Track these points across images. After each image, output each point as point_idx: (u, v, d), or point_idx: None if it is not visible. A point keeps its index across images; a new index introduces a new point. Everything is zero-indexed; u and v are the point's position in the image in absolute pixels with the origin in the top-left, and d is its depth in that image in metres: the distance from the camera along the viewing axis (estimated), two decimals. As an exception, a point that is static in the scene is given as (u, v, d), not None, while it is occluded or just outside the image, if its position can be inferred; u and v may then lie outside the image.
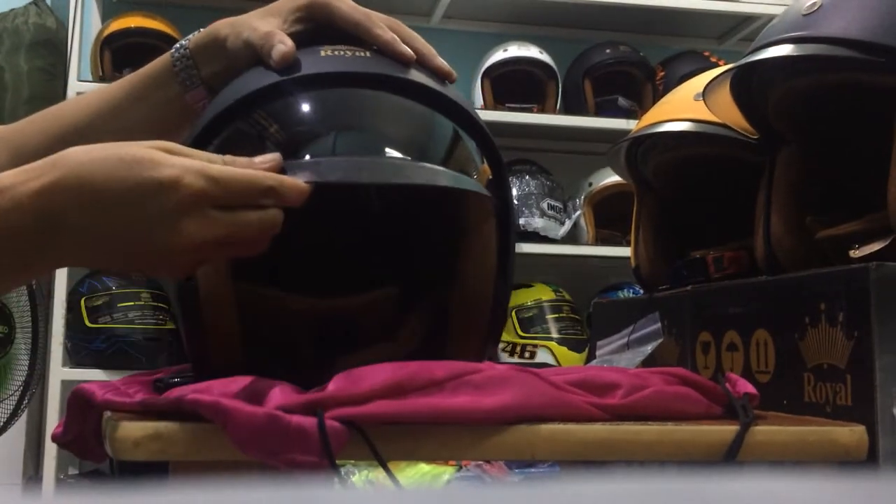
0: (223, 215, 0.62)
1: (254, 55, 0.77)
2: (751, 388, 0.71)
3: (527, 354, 2.68)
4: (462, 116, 0.74)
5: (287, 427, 0.57)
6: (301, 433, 0.57)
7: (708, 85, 0.94)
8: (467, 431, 0.63)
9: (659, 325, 1.03)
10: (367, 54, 0.74)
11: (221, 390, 0.61)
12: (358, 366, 0.64)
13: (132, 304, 2.39)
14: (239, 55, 0.78)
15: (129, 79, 0.88)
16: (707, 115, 1.01)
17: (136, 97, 0.86)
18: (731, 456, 0.64)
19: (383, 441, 0.61)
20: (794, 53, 0.84)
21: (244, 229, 0.63)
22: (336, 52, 0.74)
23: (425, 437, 0.63)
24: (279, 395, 0.60)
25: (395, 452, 0.63)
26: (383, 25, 0.77)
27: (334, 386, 0.61)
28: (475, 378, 0.64)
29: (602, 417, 0.66)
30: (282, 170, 0.65)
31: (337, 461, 0.59)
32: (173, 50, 0.84)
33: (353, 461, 1.87)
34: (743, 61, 0.88)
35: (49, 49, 2.64)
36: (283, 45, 0.74)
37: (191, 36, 0.85)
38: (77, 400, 0.72)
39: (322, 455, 0.57)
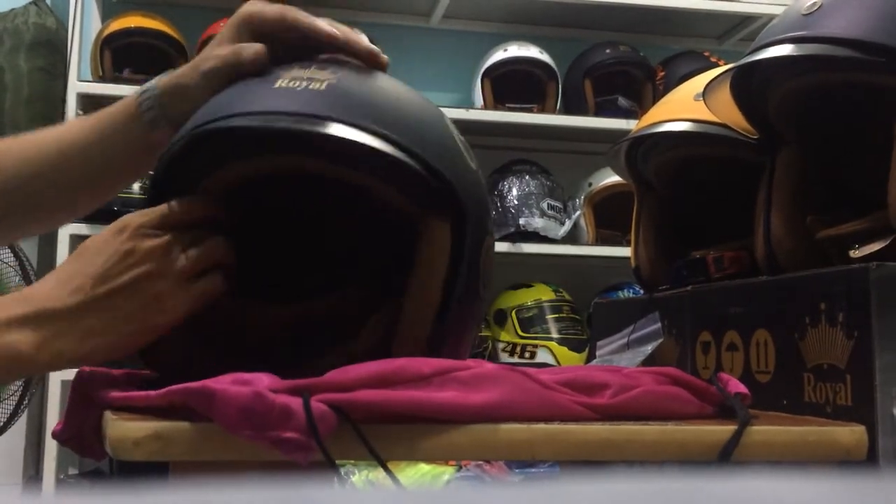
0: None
1: (212, 86, 0.80)
2: (742, 388, 0.71)
3: (527, 354, 2.68)
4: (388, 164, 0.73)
5: (272, 405, 0.58)
6: (286, 412, 0.58)
7: (708, 85, 0.94)
8: (466, 431, 0.63)
9: (659, 325, 1.03)
10: (322, 87, 0.73)
11: (212, 379, 0.61)
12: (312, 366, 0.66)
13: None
14: (200, 91, 0.81)
15: (95, 118, 0.91)
16: (707, 115, 1.01)
17: (101, 137, 0.89)
18: (725, 455, 0.64)
19: (381, 440, 0.61)
20: (794, 53, 0.84)
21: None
22: (291, 84, 0.74)
23: (423, 436, 0.63)
24: (267, 381, 0.60)
25: (394, 452, 0.63)
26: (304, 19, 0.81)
27: (322, 377, 0.62)
28: (462, 375, 0.64)
29: (590, 417, 0.66)
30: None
31: (337, 461, 0.59)
32: (140, 92, 0.87)
33: (353, 461, 1.87)
34: (743, 61, 0.88)
35: (49, 49, 2.64)
36: (251, 48, 0.79)
37: (157, 79, 0.88)
38: (79, 385, 0.72)
39: (307, 434, 0.57)
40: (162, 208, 0.73)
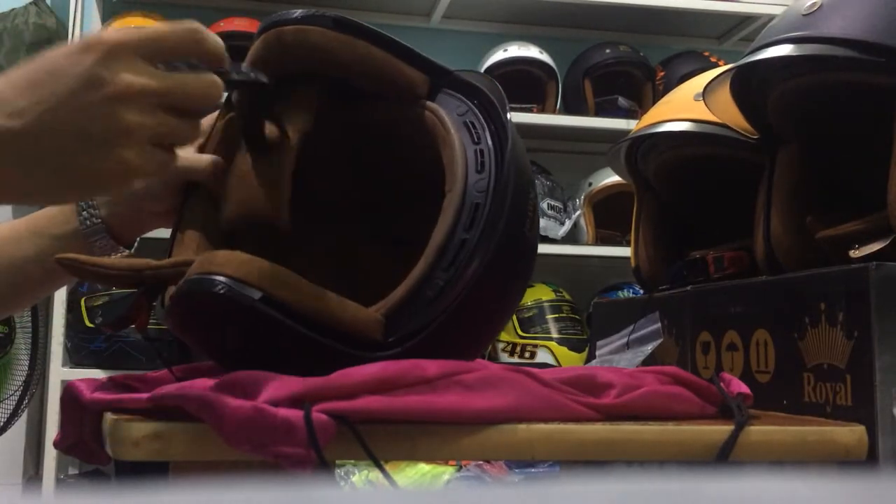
0: (156, 70, 0.61)
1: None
2: (744, 388, 0.71)
3: (527, 354, 2.68)
4: None
5: (274, 420, 0.57)
6: (287, 426, 0.57)
7: (708, 85, 0.94)
8: (466, 431, 0.63)
9: (659, 325, 1.02)
10: None
11: (213, 384, 0.61)
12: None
13: (132, 304, 2.39)
14: (142, 193, 0.80)
15: (33, 215, 0.87)
16: (707, 115, 1.01)
17: (35, 231, 0.85)
18: (723, 455, 0.64)
19: (381, 441, 0.61)
20: (794, 53, 0.84)
21: (181, 86, 0.62)
22: None
23: (423, 436, 0.63)
24: (271, 388, 0.60)
25: (394, 452, 0.63)
26: None
27: (324, 380, 0.61)
28: (466, 378, 0.64)
29: (595, 417, 0.66)
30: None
31: (336, 461, 0.59)
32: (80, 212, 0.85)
33: (353, 461, 1.87)
34: (743, 61, 0.88)
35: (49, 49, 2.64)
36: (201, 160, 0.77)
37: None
38: (69, 397, 0.72)
39: (309, 447, 0.57)
40: (156, 31, 0.63)
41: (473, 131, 0.73)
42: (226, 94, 0.79)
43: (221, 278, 0.64)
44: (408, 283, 0.68)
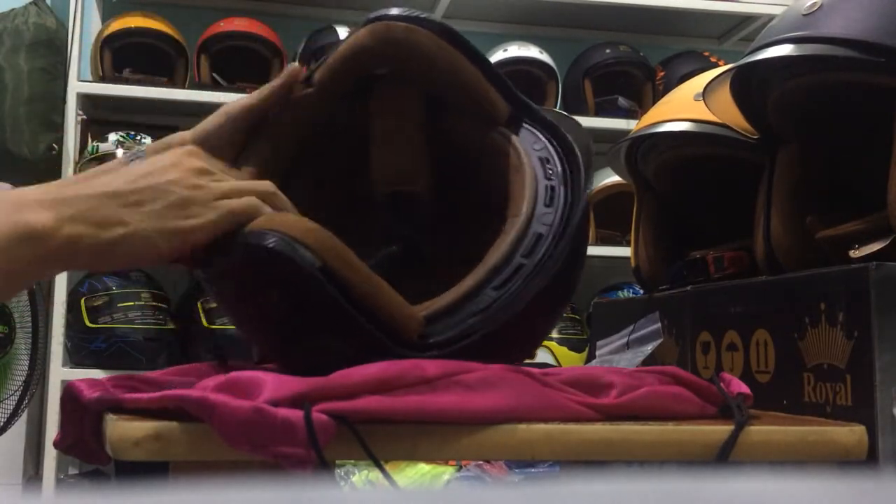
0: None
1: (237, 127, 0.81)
2: (744, 388, 0.71)
3: (527, 354, 2.68)
4: None
5: (274, 420, 0.57)
6: (288, 426, 0.57)
7: (708, 85, 0.94)
8: (466, 431, 0.63)
9: (659, 325, 1.02)
10: None
11: (213, 385, 0.61)
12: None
13: (132, 304, 2.39)
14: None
15: None
16: (707, 115, 1.01)
17: None
18: (723, 455, 0.64)
19: (381, 441, 0.61)
20: (794, 53, 0.84)
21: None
22: None
23: (423, 436, 0.63)
24: (271, 387, 0.60)
25: (394, 452, 0.63)
26: None
27: (324, 380, 0.61)
28: (466, 378, 0.64)
29: (595, 418, 0.66)
30: None
31: (336, 461, 0.59)
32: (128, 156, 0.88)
33: (353, 461, 1.87)
34: (743, 61, 0.88)
35: (49, 49, 2.64)
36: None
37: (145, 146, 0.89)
38: (69, 397, 0.72)
39: (309, 447, 0.57)
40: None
41: (547, 167, 0.75)
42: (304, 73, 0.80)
43: (285, 238, 0.64)
44: (456, 291, 0.70)
